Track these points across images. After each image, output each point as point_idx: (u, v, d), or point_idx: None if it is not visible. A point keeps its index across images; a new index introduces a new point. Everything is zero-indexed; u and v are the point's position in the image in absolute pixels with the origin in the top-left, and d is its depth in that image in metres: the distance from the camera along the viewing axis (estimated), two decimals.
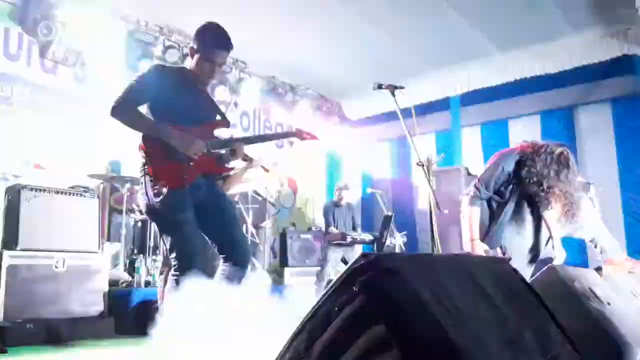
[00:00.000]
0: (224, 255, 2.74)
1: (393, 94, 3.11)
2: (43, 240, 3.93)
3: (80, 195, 4.27)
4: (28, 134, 5.14)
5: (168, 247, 2.62)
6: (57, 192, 4.13)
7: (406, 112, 3.34)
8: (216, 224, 2.73)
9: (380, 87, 3.17)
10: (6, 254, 3.72)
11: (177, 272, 2.57)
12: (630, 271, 3.02)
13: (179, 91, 2.71)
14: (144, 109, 2.69)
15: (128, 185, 4.77)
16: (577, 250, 5.12)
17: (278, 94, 7.28)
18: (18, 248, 3.77)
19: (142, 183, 2.59)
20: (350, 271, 1.11)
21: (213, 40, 2.78)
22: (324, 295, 1.14)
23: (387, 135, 7.70)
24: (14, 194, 3.94)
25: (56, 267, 3.89)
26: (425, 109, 6.78)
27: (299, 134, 3.09)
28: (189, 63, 2.84)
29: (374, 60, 6.37)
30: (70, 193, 4.22)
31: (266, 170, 3.81)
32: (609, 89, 6.15)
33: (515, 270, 1.57)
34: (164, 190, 2.56)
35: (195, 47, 2.78)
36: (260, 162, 3.65)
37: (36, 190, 3.98)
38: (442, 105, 6.90)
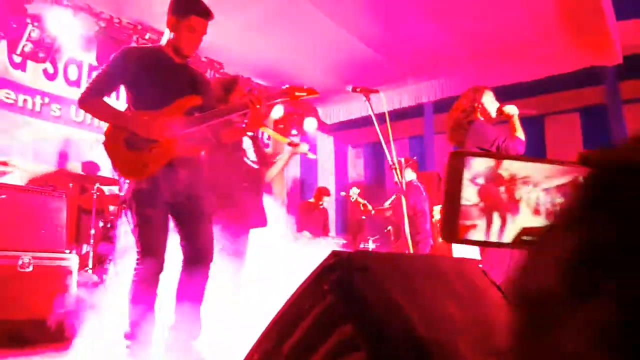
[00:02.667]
0: (183, 251, 2.69)
1: (367, 97, 3.13)
2: (8, 239, 3.81)
3: (48, 194, 4.16)
4: None
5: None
6: (23, 190, 4.02)
7: (381, 117, 3.37)
8: (182, 218, 2.68)
9: (355, 90, 3.18)
10: None
11: (137, 267, 2.54)
12: None
13: (150, 71, 2.63)
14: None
15: (97, 185, 4.67)
16: None
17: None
18: None
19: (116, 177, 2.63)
20: (321, 269, 1.10)
21: (192, 8, 2.69)
22: (293, 293, 1.12)
23: (362, 140, 7.75)
24: None
25: (21, 267, 3.78)
26: (399, 115, 6.83)
27: (291, 92, 2.93)
28: (167, 37, 2.72)
29: (349, 65, 6.40)
30: (37, 191, 4.11)
31: (310, 156, 3.74)
32: (577, 99, 6.31)
33: (484, 271, 1.59)
34: (127, 182, 2.56)
35: (173, 18, 2.68)
36: (306, 147, 3.60)
37: (1, 188, 3.87)
38: (415, 111, 6.97)
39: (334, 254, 1.12)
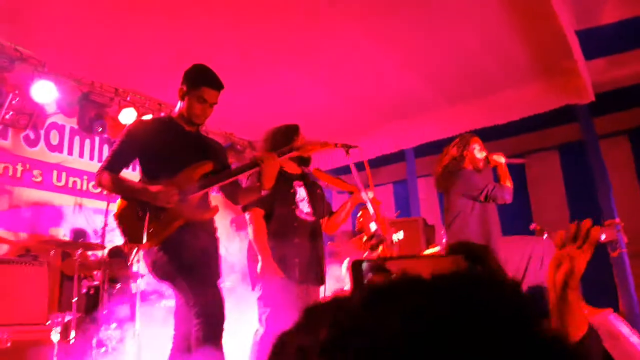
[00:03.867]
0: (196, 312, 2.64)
1: (347, 152, 3.17)
2: None
3: (28, 263, 4.10)
4: None
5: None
6: (2, 262, 3.96)
7: (363, 166, 3.40)
8: (194, 277, 2.67)
9: (335, 145, 3.23)
10: None
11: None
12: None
13: (162, 141, 2.75)
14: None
15: (80, 251, 4.60)
16: None
17: (237, 150, 7.29)
18: None
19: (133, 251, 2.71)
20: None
21: (203, 79, 2.81)
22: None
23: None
24: None
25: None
26: (382, 161, 6.91)
27: (301, 146, 3.02)
28: (179, 106, 2.86)
29: (328, 117, 6.49)
30: (16, 262, 4.05)
31: (377, 202, 3.62)
32: (556, 137, 6.42)
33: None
34: (140, 251, 2.67)
35: (184, 88, 2.80)
36: (371, 194, 3.50)
37: None
38: (397, 157, 7.04)
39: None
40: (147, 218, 2.61)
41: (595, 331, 1.38)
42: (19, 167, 5.45)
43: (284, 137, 3.29)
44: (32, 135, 5.65)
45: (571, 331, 1.30)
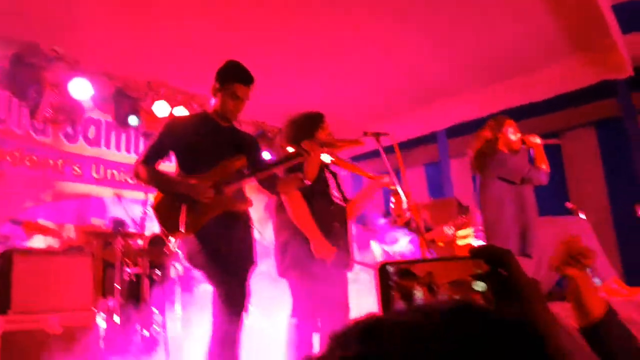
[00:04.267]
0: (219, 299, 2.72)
1: (378, 140, 3.18)
2: (37, 302, 3.90)
3: (73, 254, 4.28)
4: (18, 194, 5.18)
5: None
6: (49, 254, 4.14)
7: (393, 152, 3.41)
8: (221, 266, 2.75)
9: (365, 134, 3.24)
10: (0, 319, 3.69)
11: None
12: (624, 298, 3.02)
13: (196, 137, 2.84)
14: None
15: (120, 240, 4.77)
16: None
17: (268, 138, 7.36)
18: (11, 312, 3.75)
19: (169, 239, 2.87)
20: None
21: (234, 76, 2.89)
22: None
23: (378, 170, 7.76)
24: (6, 258, 3.93)
25: (50, 330, 3.85)
26: (413, 143, 6.86)
27: (339, 142, 3.09)
28: (213, 103, 2.96)
29: (359, 101, 6.48)
30: (62, 254, 4.23)
31: (390, 186, 3.65)
32: (592, 113, 6.26)
33: None
34: (178, 240, 2.79)
35: (217, 85, 2.89)
36: (387, 179, 3.55)
37: (28, 254, 3.99)
38: (429, 139, 6.99)
39: None
40: (183, 209, 2.70)
41: (614, 312, 1.43)
42: (60, 162, 5.65)
43: (308, 126, 3.28)
44: (70, 131, 5.83)
45: (588, 313, 1.40)
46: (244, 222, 2.98)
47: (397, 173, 3.41)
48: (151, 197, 2.97)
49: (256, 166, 2.97)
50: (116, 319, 4.47)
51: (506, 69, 5.89)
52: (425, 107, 6.68)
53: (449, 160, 7.00)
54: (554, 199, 4.77)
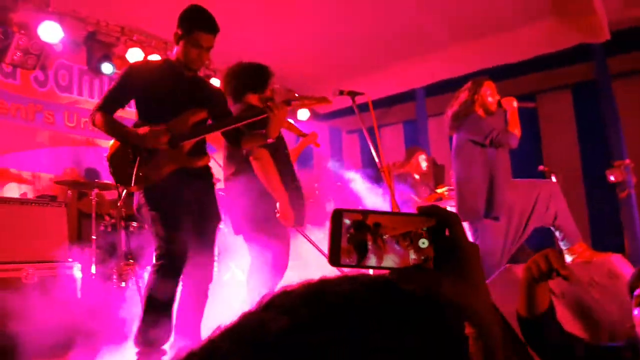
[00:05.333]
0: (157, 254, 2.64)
1: (353, 100, 3.16)
2: (11, 251, 3.88)
3: (47, 204, 4.22)
4: None
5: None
6: (23, 203, 4.08)
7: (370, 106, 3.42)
8: (168, 224, 2.64)
9: (341, 93, 3.21)
10: None
11: (156, 263, 2.64)
12: (588, 261, 3.15)
13: (158, 85, 2.71)
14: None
15: (96, 190, 4.72)
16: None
17: None
18: None
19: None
20: None
21: (197, 23, 2.73)
22: None
23: (356, 127, 7.77)
24: None
25: (26, 279, 3.85)
26: (392, 101, 6.87)
27: (306, 100, 2.97)
28: (175, 50, 2.78)
29: (339, 54, 6.40)
30: (36, 203, 4.17)
31: (317, 145, 3.69)
32: (568, 77, 6.33)
33: None
34: (132, 192, 2.67)
35: (179, 32, 2.73)
36: (316, 136, 3.58)
37: (1, 202, 3.92)
38: (407, 96, 6.99)
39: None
40: (137, 161, 2.61)
41: (554, 310, 1.55)
42: (30, 108, 5.48)
43: (254, 78, 3.20)
44: (41, 76, 5.64)
45: (534, 307, 1.50)
46: (204, 178, 2.89)
47: (372, 131, 3.43)
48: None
49: (220, 120, 2.84)
50: (92, 269, 4.49)
51: (485, 27, 5.87)
52: (404, 63, 6.65)
53: (427, 119, 7.04)
54: (528, 160, 4.88)
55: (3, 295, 3.67)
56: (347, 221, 0.60)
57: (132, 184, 2.61)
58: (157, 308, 2.59)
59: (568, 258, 3.49)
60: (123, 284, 4.46)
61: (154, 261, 2.65)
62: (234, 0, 5.32)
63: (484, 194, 3.58)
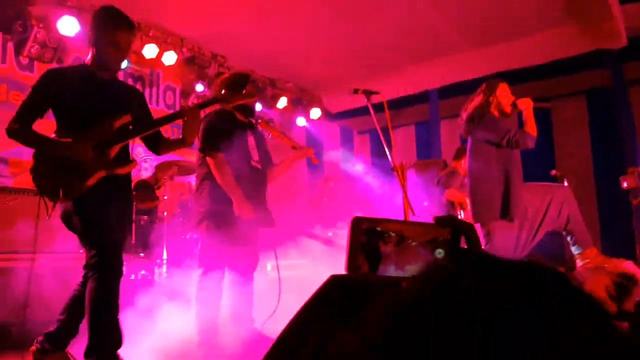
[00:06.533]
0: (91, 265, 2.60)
1: (368, 99, 3.17)
2: (23, 242, 3.90)
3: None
4: (4, 132, 5.08)
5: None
6: (34, 194, 4.11)
7: (384, 109, 3.42)
8: (96, 233, 2.61)
9: (356, 91, 3.22)
10: None
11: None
12: (600, 267, 3.13)
13: (76, 91, 2.59)
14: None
15: None
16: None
17: (258, 88, 7.27)
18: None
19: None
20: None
21: (114, 22, 2.65)
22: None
23: (367, 127, 7.78)
24: None
25: (38, 269, 3.88)
26: (405, 102, 6.86)
27: (227, 98, 2.87)
28: (91, 54, 2.67)
29: (353, 54, 6.41)
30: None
31: (315, 161, 3.74)
32: (584, 82, 6.28)
33: None
34: (57, 204, 2.59)
35: (95, 34, 2.64)
36: (311, 151, 3.63)
37: (14, 192, 3.97)
38: (420, 98, 6.97)
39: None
40: (61, 172, 2.53)
41: None
42: None
43: (229, 85, 3.23)
44: None
45: None
46: (126, 185, 2.85)
47: (385, 131, 3.44)
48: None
49: (141, 122, 2.78)
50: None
51: (501, 31, 5.85)
52: (419, 65, 6.65)
53: (440, 120, 7.02)
54: (540, 164, 4.85)
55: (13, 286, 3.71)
56: (365, 228, 0.61)
57: (61, 196, 2.54)
58: (105, 314, 2.57)
59: (579, 263, 3.48)
60: (132, 277, 4.49)
61: (89, 270, 2.60)
62: (250, 1, 5.35)
63: (500, 196, 3.57)
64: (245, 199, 3.20)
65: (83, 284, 2.75)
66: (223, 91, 3.00)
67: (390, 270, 0.59)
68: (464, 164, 5.55)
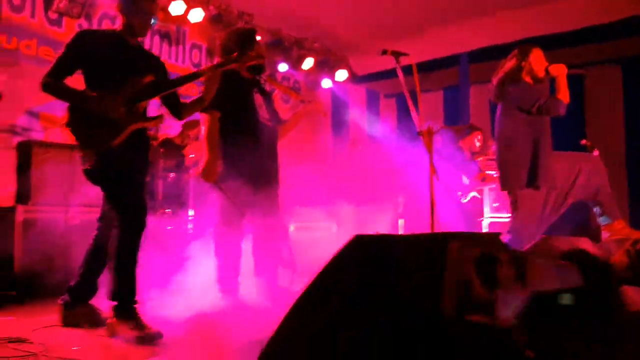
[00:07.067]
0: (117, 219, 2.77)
1: (397, 60, 3.12)
2: (56, 194, 4.03)
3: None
4: (35, 87, 5.16)
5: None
6: (68, 147, 4.20)
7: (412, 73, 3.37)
8: (122, 186, 2.78)
9: (384, 52, 3.18)
10: (20, 208, 3.84)
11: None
12: (626, 238, 3.10)
13: (107, 53, 2.80)
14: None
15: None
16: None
17: (284, 47, 7.19)
18: (31, 203, 3.89)
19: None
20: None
21: None
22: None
23: (394, 91, 7.67)
24: (26, 150, 4.01)
25: (69, 220, 4.01)
26: (433, 65, 6.72)
27: (240, 59, 2.92)
28: (122, 20, 2.89)
29: (382, 15, 6.27)
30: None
31: (324, 114, 3.72)
32: (619, 50, 6.05)
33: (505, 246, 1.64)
34: (92, 157, 2.72)
35: (124, 3, 2.86)
36: (320, 105, 3.63)
37: (47, 146, 4.06)
38: (450, 61, 6.81)
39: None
40: (94, 126, 2.70)
41: None
42: None
43: (237, 43, 3.28)
44: (85, 25, 5.71)
45: None
46: (147, 143, 3.08)
47: (414, 94, 3.39)
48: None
49: (164, 82, 2.99)
50: None
51: None
52: (449, 27, 6.47)
53: (470, 86, 6.87)
54: (570, 133, 4.75)
55: (46, 235, 3.85)
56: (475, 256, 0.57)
57: (93, 147, 2.71)
58: (129, 267, 2.75)
59: (605, 235, 3.44)
60: (161, 231, 4.60)
61: (118, 223, 2.75)
62: None
63: (528, 162, 3.53)
64: (215, 162, 3.24)
65: (98, 238, 2.95)
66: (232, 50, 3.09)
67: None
68: (469, 141, 5.56)
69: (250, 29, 3.53)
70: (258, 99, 3.48)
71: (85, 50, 2.79)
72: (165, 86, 2.94)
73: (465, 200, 5.45)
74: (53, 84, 2.73)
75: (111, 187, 2.79)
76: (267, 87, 3.64)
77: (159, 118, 2.89)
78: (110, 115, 2.69)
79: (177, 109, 3.07)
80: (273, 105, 3.64)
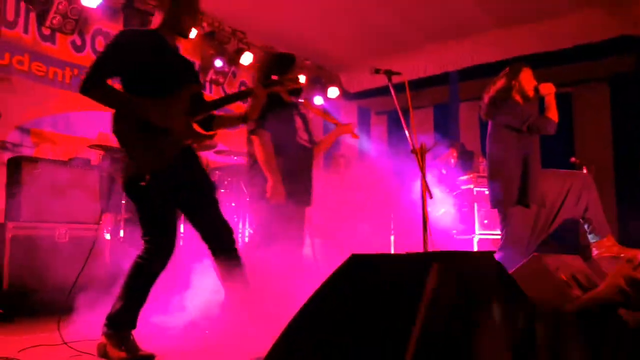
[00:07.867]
0: (210, 246, 2.57)
1: (389, 79, 3.16)
2: (45, 211, 4.00)
3: (81, 167, 4.33)
4: (26, 103, 5.15)
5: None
6: (57, 164, 4.19)
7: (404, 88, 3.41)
8: (195, 205, 2.56)
9: (377, 71, 3.21)
10: (10, 225, 3.80)
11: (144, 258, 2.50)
12: (616, 256, 3.12)
13: (151, 57, 2.44)
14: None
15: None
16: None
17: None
18: (21, 219, 3.86)
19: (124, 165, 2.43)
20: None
21: None
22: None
23: (385, 108, 7.73)
24: (15, 166, 3.99)
25: (58, 238, 3.98)
26: (424, 83, 6.79)
27: (284, 82, 2.70)
28: (162, 20, 2.52)
29: (373, 34, 6.35)
30: (70, 165, 4.29)
31: (355, 136, 3.75)
32: (607, 69, 6.17)
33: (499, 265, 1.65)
34: (145, 172, 2.34)
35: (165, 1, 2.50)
36: (353, 127, 3.68)
37: (37, 162, 4.04)
38: (440, 79, 6.90)
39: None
40: (150, 135, 2.35)
41: None
42: (67, 72, 5.58)
43: (278, 66, 3.25)
44: (78, 41, 5.72)
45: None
46: (198, 160, 2.72)
47: (405, 112, 3.42)
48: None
49: (215, 100, 2.72)
50: (121, 233, 4.60)
51: (525, 13, 5.74)
52: (439, 45, 6.56)
53: (459, 103, 6.95)
54: (559, 151, 4.80)
55: (35, 252, 3.81)
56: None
57: (152, 162, 2.34)
58: (143, 292, 2.53)
59: (595, 252, 3.47)
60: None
61: (149, 246, 2.50)
62: None
63: (518, 181, 3.56)
64: (281, 182, 3.16)
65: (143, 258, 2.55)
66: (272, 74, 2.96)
67: None
68: (446, 156, 5.68)
69: (291, 54, 3.45)
70: (298, 121, 3.48)
71: (130, 52, 2.39)
72: (219, 101, 2.64)
73: (438, 214, 5.49)
74: (96, 87, 2.32)
75: (156, 207, 2.44)
76: (303, 110, 3.67)
77: (214, 135, 2.61)
78: (175, 127, 2.37)
79: (208, 122, 2.72)
80: (309, 127, 3.64)
